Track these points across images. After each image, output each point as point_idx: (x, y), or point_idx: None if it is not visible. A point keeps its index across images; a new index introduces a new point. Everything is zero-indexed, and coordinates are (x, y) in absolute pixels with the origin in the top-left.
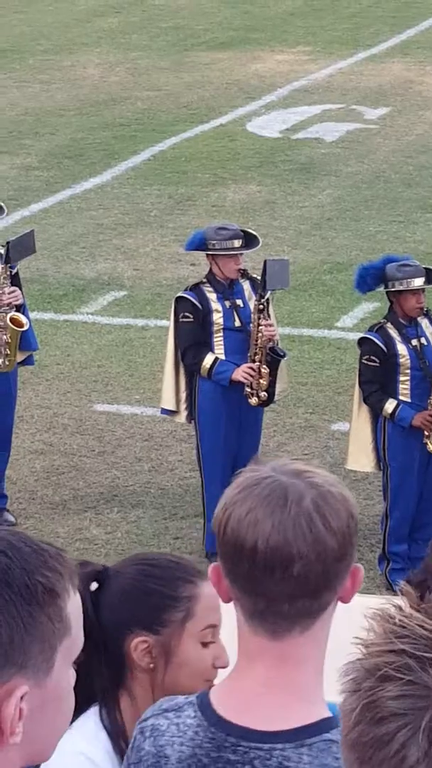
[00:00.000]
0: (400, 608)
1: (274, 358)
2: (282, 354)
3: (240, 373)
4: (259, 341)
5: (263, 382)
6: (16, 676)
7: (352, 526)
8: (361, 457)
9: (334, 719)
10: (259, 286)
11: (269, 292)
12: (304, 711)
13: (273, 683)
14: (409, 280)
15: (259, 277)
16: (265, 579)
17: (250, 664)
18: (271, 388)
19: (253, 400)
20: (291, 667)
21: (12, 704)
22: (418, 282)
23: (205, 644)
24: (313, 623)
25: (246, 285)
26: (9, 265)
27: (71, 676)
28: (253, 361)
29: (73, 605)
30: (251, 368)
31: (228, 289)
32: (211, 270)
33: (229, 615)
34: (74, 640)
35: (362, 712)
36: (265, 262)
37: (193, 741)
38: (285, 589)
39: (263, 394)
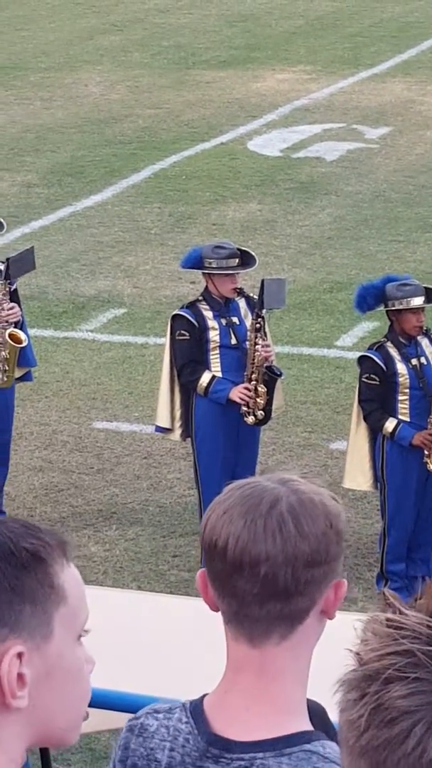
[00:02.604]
0: (391, 611)
1: (270, 377)
2: (279, 373)
3: (237, 394)
4: (255, 360)
5: (260, 401)
6: (10, 637)
7: (330, 535)
8: (358, 475)
9: (315, 733)
10: (256, 305)
11: (266, 311)
12: (286, 722)
13: (257, 696)
14: (408, 299)
15: (255, 296)
16: (235, 578)
17: (236, 675)
18: (267, 407)
19: (250, 419)
20: (272, 680)
21: (6, 662)
22: (418, 301)
23: None
24: (290, 633)
25: (242, 303)
26: (8, 281)
27: (82, 653)
28: (250, 381)
29: (69, 576)
30: (248, 388)
31: (224, 307)
32: (207, 288)
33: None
34: (74, 611)
35: (371, 716)
36: (262, 281)
37: (183, 748)
38: (252, 589)
39: (260, 414)
